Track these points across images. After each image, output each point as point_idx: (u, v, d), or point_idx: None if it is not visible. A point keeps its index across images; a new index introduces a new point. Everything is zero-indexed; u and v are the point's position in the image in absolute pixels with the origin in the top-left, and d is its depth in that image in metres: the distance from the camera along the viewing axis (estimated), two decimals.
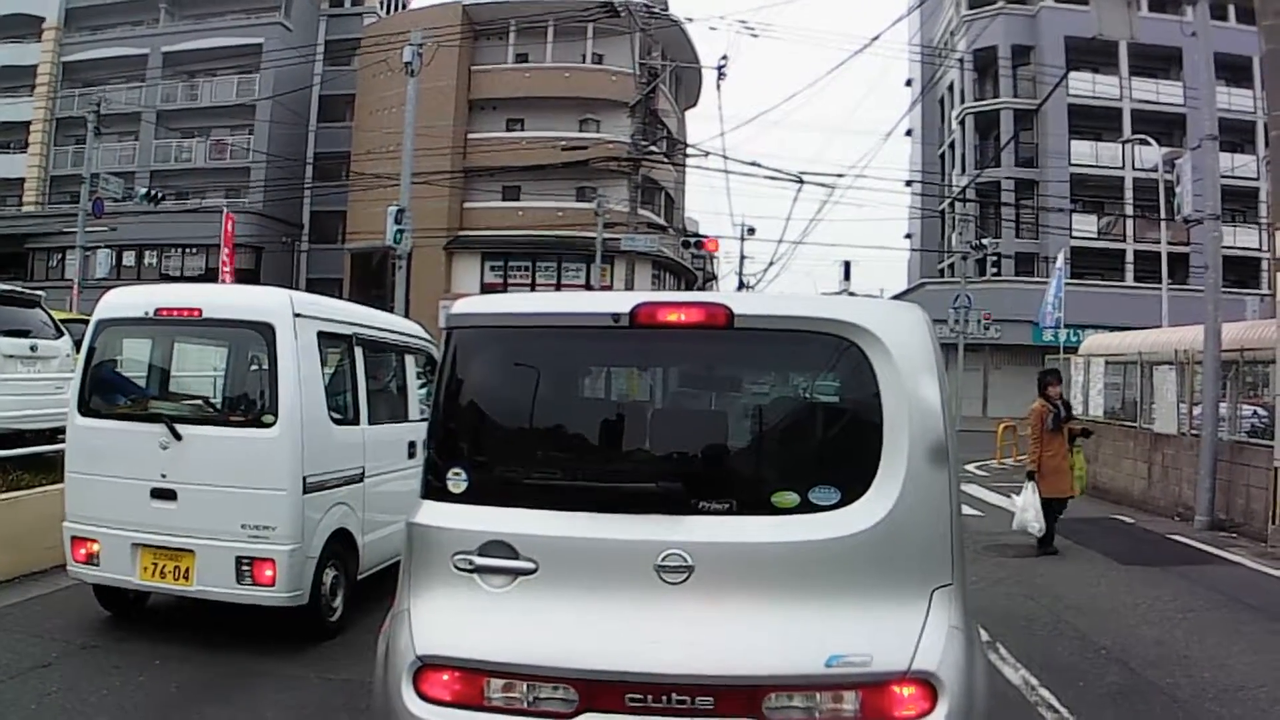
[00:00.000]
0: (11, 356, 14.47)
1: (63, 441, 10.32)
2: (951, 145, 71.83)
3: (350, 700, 7.76)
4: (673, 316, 4.88)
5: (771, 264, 69.60)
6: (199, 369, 12.28)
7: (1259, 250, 53.36)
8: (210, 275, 51.43)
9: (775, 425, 5.30)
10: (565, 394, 5.56)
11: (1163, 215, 41.08)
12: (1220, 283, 19.38)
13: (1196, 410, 19.20)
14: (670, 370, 5.99)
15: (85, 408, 9.58)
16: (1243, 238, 56.26)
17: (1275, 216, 16.75)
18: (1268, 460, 15.83)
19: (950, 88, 71.44)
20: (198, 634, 9.57)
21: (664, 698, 4.48)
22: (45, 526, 10.59)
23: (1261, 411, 19.03)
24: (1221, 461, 18.13)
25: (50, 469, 12.63)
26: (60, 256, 60.67)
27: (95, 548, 9.25)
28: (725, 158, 71.34)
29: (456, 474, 4.96)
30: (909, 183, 74.25)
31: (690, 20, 49.54)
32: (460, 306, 5.28)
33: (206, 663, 8.78)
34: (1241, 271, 52.91)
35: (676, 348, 5.29)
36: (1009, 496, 17.37)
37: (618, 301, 4.97)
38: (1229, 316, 20.46)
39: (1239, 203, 55.27)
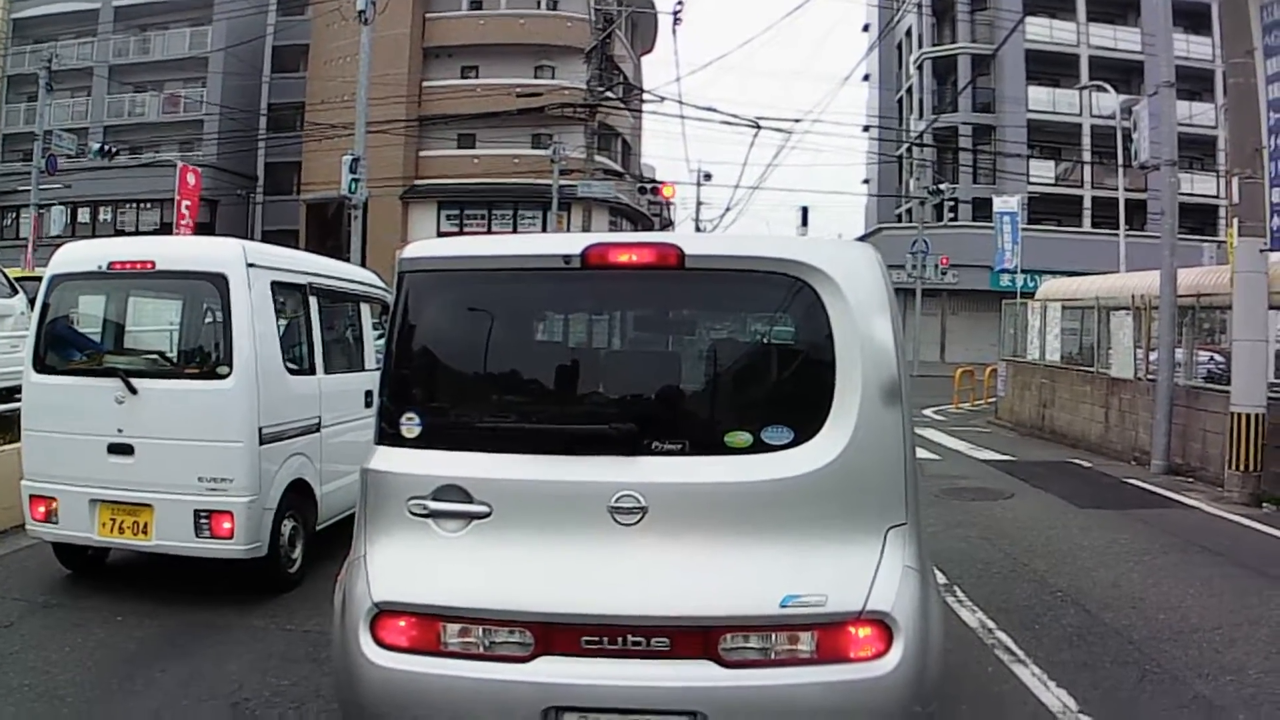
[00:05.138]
0: None
1: (19, 400, 10.25)
2: (909, 90, 71.89)
3: (312, 650, 7.78)
4: (624, 257, 4.88)
5: (728, 210, 69.76)
6: (154, 322, 12.20)
7: (1216, 198, 53.70)
8: (165, 230, 51.03)
9: (728, 365, 5.28)
10: (518, 336, 5.53)
11: (1120, 162, 41.22)
12: (1177, 229, 19.54)
13: (1153, 355, 19.38)
14: (623, 311, 5.98)
15: (41, 364, 9.50)
16: (1200, 185, 56.74)
17: (1232, 164, 16.80)
18: (1224, 405, 15.95)
19: (908, 32, 71.39)
20: (158, 588, 9.57)
21: (619, 639, 4.50)
22: (3, 486, 10.57)
23: (1218, 357, 19.14)
24: (1178, 407, 18.29)
25: (7, 428, 12.55)
26: (14, 214, 60.16)
27: (54, 505, 9.20)
28: (681, 103, 70.88)
29: (410, 419, 4.95)
30: (866, 128, 74.42)
31: None
32: (412, 250, 5.25)
33: (167, 617, 8.76)
34: (1199, 219, 53.39)
35: (629, 289, 5.27)
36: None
37: (569, 242, 4.96)
38: (1186, 263, 20.63)
39: (1197, 150, 55.65)
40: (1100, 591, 10.18)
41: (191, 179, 39.35)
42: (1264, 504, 14.94)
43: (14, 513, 10.09)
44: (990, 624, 8.94)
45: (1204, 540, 12.71)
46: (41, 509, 9.27)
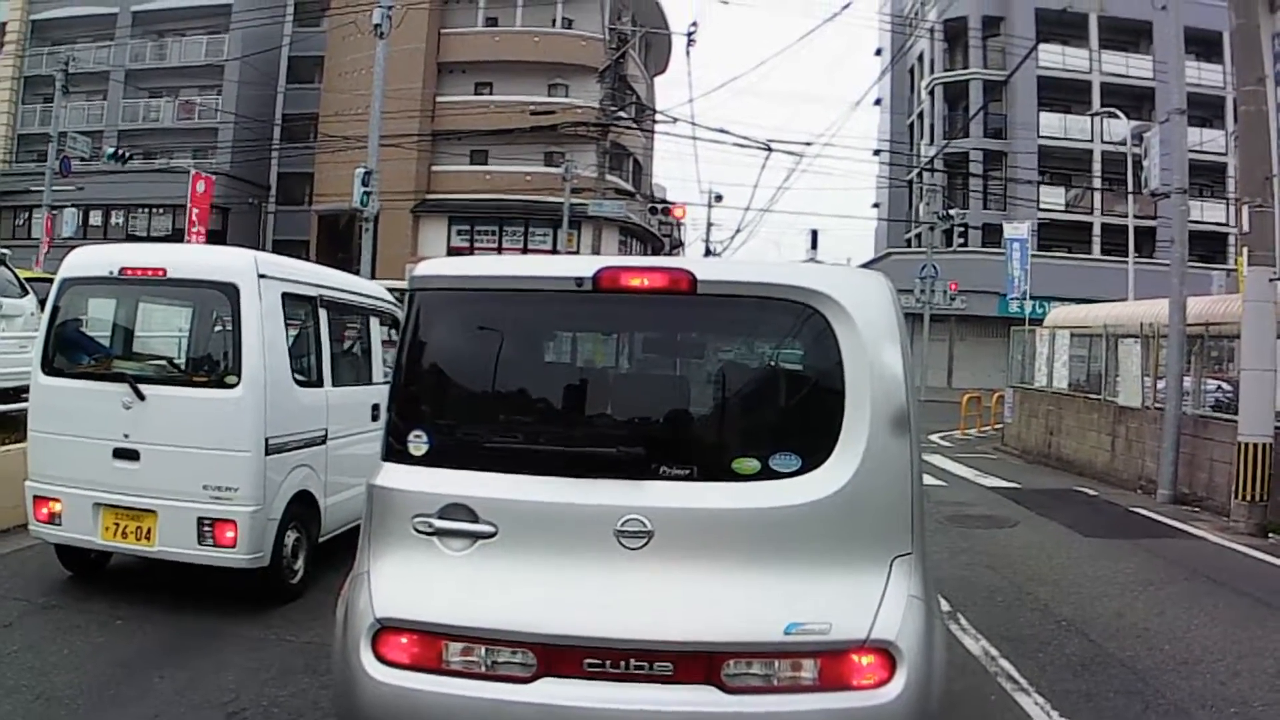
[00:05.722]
0: None
1: (26, 400, 10.25)
2: (920, 115, 71.96)
3: (311, 662, 7.76)
4: (636, 281, 4.87)
5: (739, 231, 69.86)
6: (164, 329, 12.21)
7: (1226, 225, 53.71)
8: (177, 236, 51.20)
9: (737, 391, 5.29)
10: (528, 357, 5.54)
11: (1130, 189, 41.20)
12: (1186, 257, 19.55)
13: (1161, 384, 19.36)
14: (633, 335, 5.98)
15: (49, 367, 9.51)
16: (1210, 213, 56.67)
17: (1243, 192, 16.81)
18: (1231, 435, 15.93)
19: (920, 57, 71.54)
20: (159, 595, 9.55)
21: (622, 663, 4.49)
22: (7, 486, 10.53)
23: (1226, 386, 19.14)
24: (1185, 435, 18.27)
25: (13, 428, 12.57)
26: (27, 215, 60.22)
27: (57, 507, 9.21)
28: (694, 124, 71.38)
29: (417, 436, 4.95)
30: (877, 152, 74.52)
31: None
32: (424, 268, 5.26)
33: (167, 624, 8.76)
34: (1208, 246, 53.42)
35: (639, 312, 5.27)
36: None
37: (581, 265, 4.96)
38: (1195, 291, 20.61)
39: (1207, 177, 55.63)
40: (1105, 621, 10.16)
41: (202, 186, 39.37)
42: (1270, 534, 14.90)
43: (17, 512, 10.08)
44: (994, 652, 8.90)
45: (1210, 570, 12.68)
46: (45, 510, 9.28)
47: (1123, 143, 45.45)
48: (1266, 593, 11.67)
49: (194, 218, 38.91)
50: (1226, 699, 7.96)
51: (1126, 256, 39.70)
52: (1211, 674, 8.56)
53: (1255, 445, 15.19)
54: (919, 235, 65.90)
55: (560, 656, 4.53)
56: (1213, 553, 14.01)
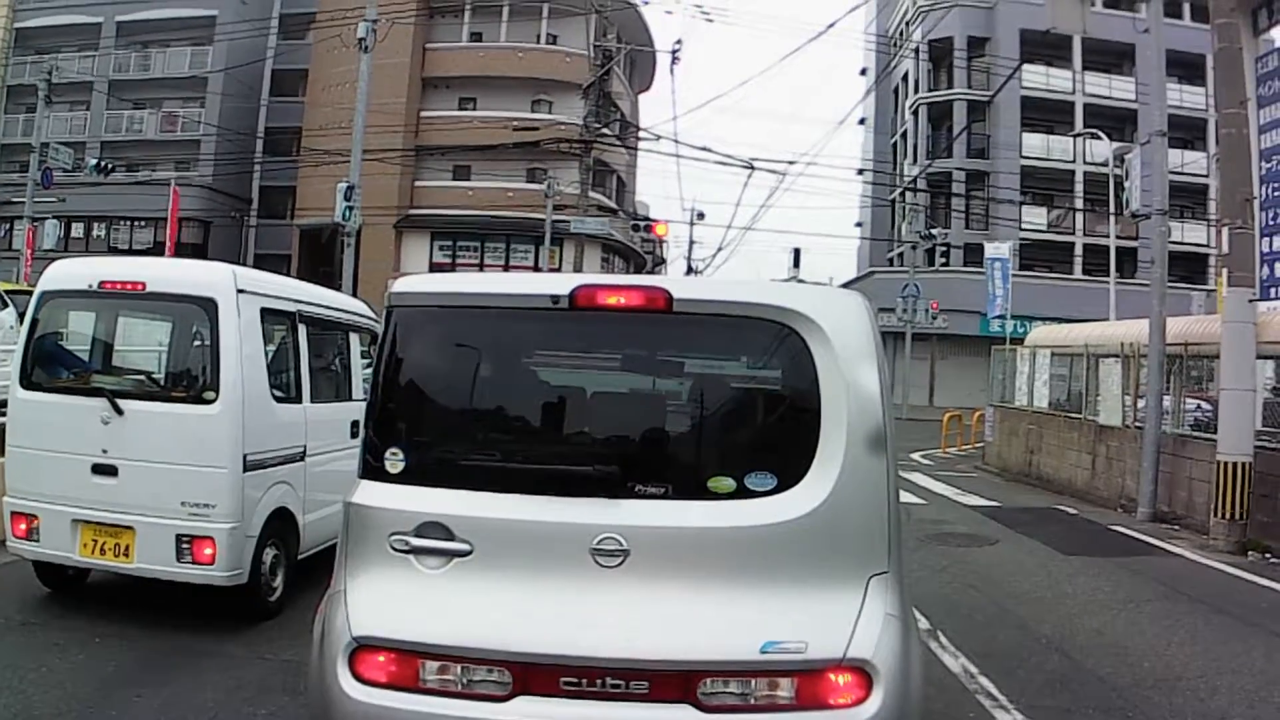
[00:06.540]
0: None
1: (4, 415, 10.21)
2: (904, 135, 72.21)
3: (289, 681, 7.71)
4: (612, 299, 4.88)
5: (721, 249, 69.81)
6: (143, 344, 12.17)
7: (1206, 246, 53.92)
8: (159, 249, 51.07)
9: (713, 410, 5.26)
10: (504, 375, 5.52)
11: (1112, 209, 41.38)
12: (1166, 277, 19.66)
13: (1141, 403, 19.40)
14: (610, 353, 5.97)
15: (27, 381, 9.47)
16: (1191, 234, 56.92)
17: (1223, 213, 16.91)
18: (1210, 454, 16.00)
19: (905, 77, 71.79)
20: (137, 612, 9.50)
21: (598, 681, 4.47)
22: None
23: (1205, 405, 19.24)
24: (1164, 454, 18.33)
25: None
26: (8, 226, 60.05)
27: (35, 523, 9.16)
28: (677, 142, 71.35)
29: (394, 454, 4.93)
30: (861, 171, 74.61)
31: (646, 2, 49.35)
32: (401, 285, 5.25)
33: (146, 641, 8.72)
34: (1189, 267, 53.63)
35: (616, 330, 5.24)
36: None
37: (558, 283, 4.96)
38: (1175, 311, 20.69)
39: (1188, 199, 55.92)
40: (1084, 638, 10.18)
41: (171, 199, 39.13)
42: (1249, 552, 14.96)
43: None
44: (972, 669, 8.90)
45: (1189, 588, 12.72)
46: (23, 526, 9.23)
47: (1105, 164, 45.60)
48: (1245, 610, 11.71)
49: (171, 231, 38.75)
50: (1206, 715, 8.01)
51: (1108, 276, 39.92)
52: (1191, 691, 8.59)
53: (1234, 464, 15.26)
54: (901, 254, 65.84)
55: (536, 675, 4.52)
56: (1192, 571, 14.05)
